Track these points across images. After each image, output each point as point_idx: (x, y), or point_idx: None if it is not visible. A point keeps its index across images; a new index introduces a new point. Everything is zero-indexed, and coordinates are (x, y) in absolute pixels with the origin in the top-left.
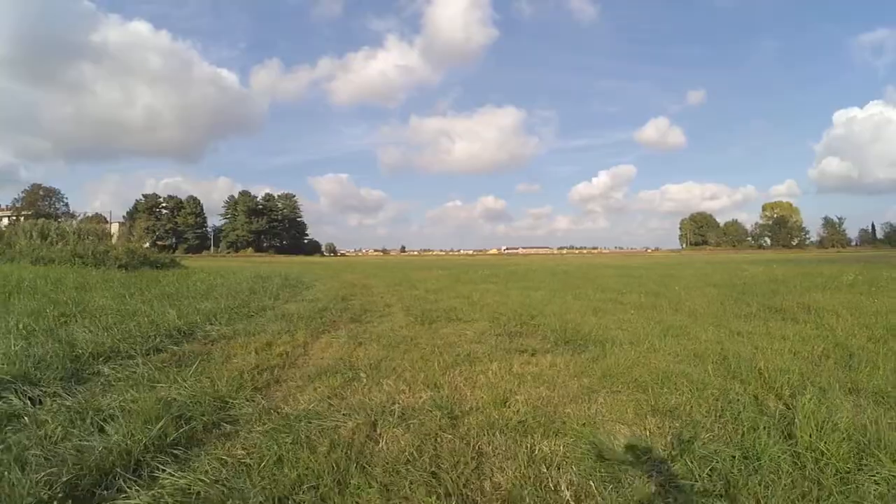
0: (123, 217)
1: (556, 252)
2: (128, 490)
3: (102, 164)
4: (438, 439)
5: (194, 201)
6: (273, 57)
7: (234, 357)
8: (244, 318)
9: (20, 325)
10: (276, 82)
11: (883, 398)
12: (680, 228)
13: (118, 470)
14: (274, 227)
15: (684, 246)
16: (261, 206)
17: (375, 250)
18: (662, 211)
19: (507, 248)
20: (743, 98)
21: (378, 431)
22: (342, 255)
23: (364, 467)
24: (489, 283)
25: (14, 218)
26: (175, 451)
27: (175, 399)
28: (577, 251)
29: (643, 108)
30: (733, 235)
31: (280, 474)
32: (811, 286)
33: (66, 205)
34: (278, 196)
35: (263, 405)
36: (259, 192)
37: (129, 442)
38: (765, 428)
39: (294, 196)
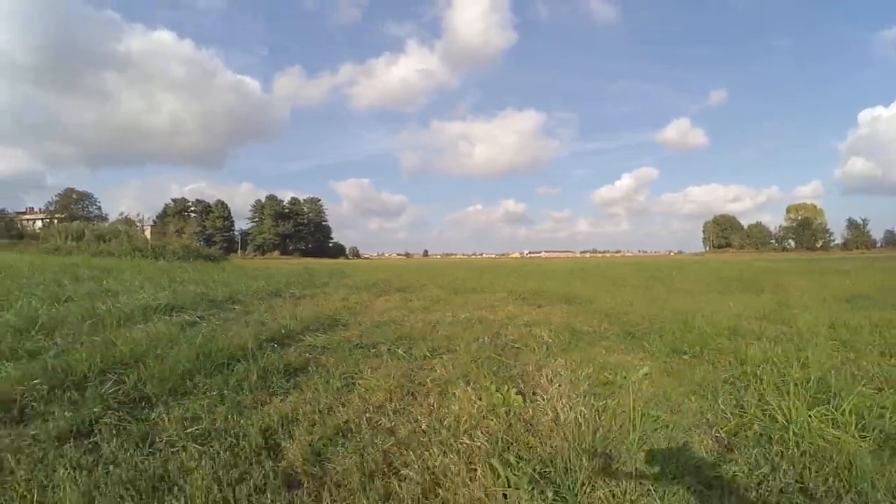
0: (153, 221)
1: (578, 255)
2: (304, 340)
3: (126, 169)
4: (474, 327)
5: (222, 205)
6: (295, 64)
7: (322, 303)
8: (314, 288)
9: (160, 283)
10: (297, 88)
11: (784, 322)
12: (703, 231)
13: (294, 333)
14: (300, 231)
15: (707, 248)
16: (287, 210)
17: (398, 254)
18: (685, 213)
19: (529, 252)
20: (765, 98)
21: (437, 327)
22: (365, 258)
23: (433, 334)
24: (510, 276)
25: (48, 220)
26: (318, 332)
27: (301, 316)
28: (599, 254)
29: (664, 109)
30: (757, 238)
31: (386, 335)
32: (798, 273)
33: (99, 208)
34: (304, 200)
35: (360, 319)
36: (282, 196)
37: (291, 325)
38: (675, 322)
39: (319, 200)
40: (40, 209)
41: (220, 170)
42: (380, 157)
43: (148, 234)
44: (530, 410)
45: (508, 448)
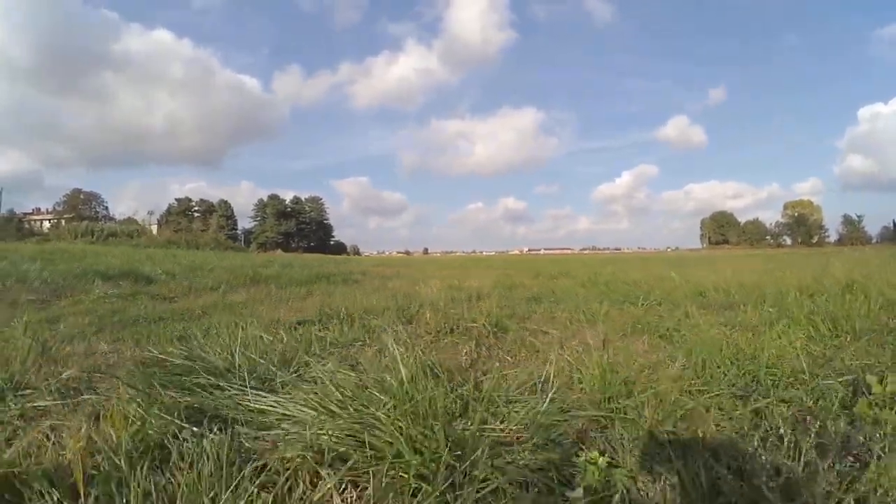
0: (157, 220)
1: (577, 252)
2: (356, 280)
3: (125, 170)
4: (450, 279)
5: (225, 205)
6: (294, 63)
7: (354, 268)
8: (342, 265)
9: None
10: (297, 88)
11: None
12: (701, 228)
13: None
14: (302, 230)
15: (705, 245)
16: (289, 209)
17: (398, 252)
18: (685, 211)
19: (529, 249)
20: (766, 95)
21: (428, 279)
22: (366, 256)
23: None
24: (498, 264)
25: (55, 221)
26: (358, 275)
27: (346, 269)
28: (598, 251)
29: (664, 107)
30: (753, 234)
31: (398, 285)
32: (742, 261)
33: (106, 208)
34: (306, 199)
35: (381, 278)
36: (283, 195)
37: (344, 271)
38: (570, 275)
39: (321, 199)
40: (47, 209)
41: (221, 170)
42: (379, 155)
43: (155, 231)
44: (464, 289)
45: (450, 292)
